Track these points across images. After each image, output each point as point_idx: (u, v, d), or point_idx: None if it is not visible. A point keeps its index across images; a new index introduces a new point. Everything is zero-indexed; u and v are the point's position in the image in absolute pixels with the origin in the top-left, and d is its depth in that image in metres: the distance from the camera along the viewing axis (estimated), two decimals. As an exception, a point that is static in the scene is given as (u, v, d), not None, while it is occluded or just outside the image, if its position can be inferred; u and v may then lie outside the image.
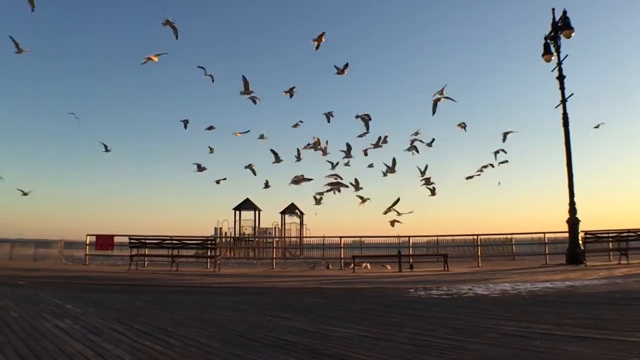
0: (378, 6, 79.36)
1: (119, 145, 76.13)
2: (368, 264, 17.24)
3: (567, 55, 16.62)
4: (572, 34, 16.15)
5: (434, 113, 15.96)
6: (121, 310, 6.32)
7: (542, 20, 18.59)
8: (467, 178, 18.67)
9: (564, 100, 16.41)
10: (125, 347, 3.89)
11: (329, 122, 17.68)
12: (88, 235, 17.99)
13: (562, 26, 16.26)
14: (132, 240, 16.13)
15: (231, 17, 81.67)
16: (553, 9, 16.70)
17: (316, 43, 15.63)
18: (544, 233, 17.96)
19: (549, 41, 16.89)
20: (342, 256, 18.28)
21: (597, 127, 19.98)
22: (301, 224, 36.13)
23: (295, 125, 18.57)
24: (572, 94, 16.50)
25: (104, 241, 17.75)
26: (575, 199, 15.78)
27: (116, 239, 18.02)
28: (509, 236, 21.01)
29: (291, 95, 17.26)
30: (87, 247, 17.96)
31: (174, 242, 16.34)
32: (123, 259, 17.25)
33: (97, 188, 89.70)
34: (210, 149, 19.22)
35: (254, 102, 16.56)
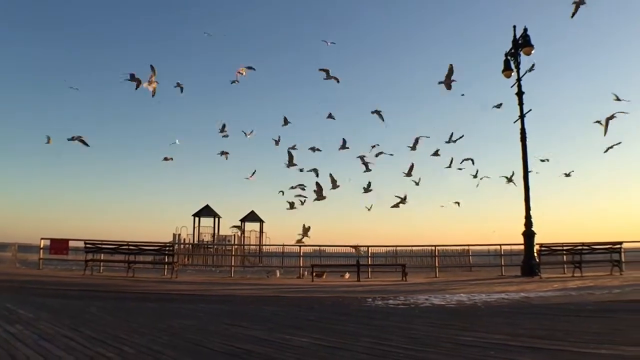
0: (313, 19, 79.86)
1: (75, 147, 74.40)
2: (347, 274, 17.02)
3: (526, 72, 17.01)
4: (532, 51, 16.54)
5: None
6: (74, 317, 6.15)
7: (503, 37, 18.97)
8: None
9: (522, 116, 16.78)
10: (77, 354, 3.77)
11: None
12: (42, 239, 17.49)
13: (522, 43, 16.64)
14: (87, 245, 15.76)
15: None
16: (514, 26, 17.10)
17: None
18: (500, 245, 18.24)
19: (509, 58, 17.26)
20: (302, 265, 18.21)
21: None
22: (261, 231, 36.00)
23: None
24: (530, 110, 16.90)
25: (59, 245, 17.32)
26: (531, 212, 16.13)
27: (71, 244, 17.62)
28: (466, 247, 21.29)
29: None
30: (42, 251, 17.44)
31: (130, 247, 16.01)
32: (78, 264, 16.87)
33: (53, 191, 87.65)
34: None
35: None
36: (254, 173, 20.11)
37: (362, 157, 19.34)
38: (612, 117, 16.65)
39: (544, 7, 78.43)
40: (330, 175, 18.30)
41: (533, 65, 17.68)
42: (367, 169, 19.15)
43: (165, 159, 20.37)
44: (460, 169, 20.54)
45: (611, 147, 19.20)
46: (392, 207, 19.36)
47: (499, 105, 19.15)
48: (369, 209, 20.74)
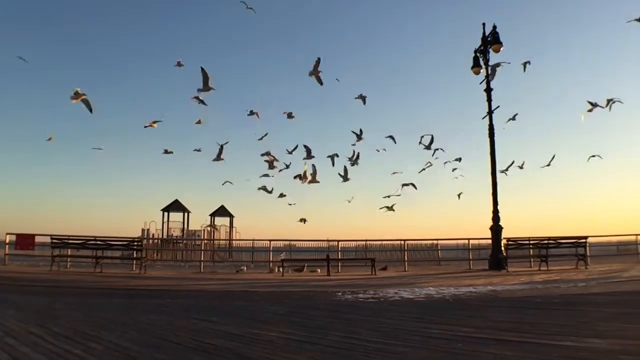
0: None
1: (42, 141, 72.87)
2: (319, 269, 16.98)
3: (525, 65, 17.20)
4: (501, 49, 16.70)
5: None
6: (41, 313, 6.07)
7: (472, 34, 19.26)
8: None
9: (490, 112, 16.94)
10: (44, 351, 3.72)
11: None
12: (8, 234, 17.05)
13: (491, 40, 16.78)
14: (54, 240, 15.41)
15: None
16: (483, 24, 17.24)
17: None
18: (468, 239, 18.43)
19: (478, 54, 17.40)
20: (271, 259, 18.14)
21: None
22: (231, 226, 35.79)
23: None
24: (498, 106, 17.09)
25: (25, 241, 16.90)
26: (499, 207, 16.35)
27: (38, 239, 17.18)
28: (435, 242, 21.47)
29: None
30: (7, 246, 17.00)
31: (98, 242, 15.69)
32: (45, 260, 16.49)
33: (19, 185, 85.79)
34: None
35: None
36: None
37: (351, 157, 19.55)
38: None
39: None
40: (313, 165, 18.42)
41: (527, 62, 17.95)
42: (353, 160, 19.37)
43: (166, 151, 20.12)
44: (445, 162, 20.90)
45: (593, 156, 19.91)
46: (388, 210, 19.63)
47: (514, 117, 19.53)
48: (349, 201, 21.13)
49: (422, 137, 20.31)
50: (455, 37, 77.58)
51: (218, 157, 18.76)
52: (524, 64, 18.04)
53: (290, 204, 20.54)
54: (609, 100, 18.02)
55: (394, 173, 21.23)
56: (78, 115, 73.00)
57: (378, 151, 21.06)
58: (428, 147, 20.14)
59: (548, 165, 20.35)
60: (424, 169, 20.91)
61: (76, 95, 14.95)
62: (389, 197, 19.77)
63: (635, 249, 19.23)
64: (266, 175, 19.64)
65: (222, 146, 18.72)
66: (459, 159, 20.91)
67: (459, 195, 21.62)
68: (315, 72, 16.46)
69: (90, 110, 15.42)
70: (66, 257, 16.16)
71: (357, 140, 19.22)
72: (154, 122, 16.21)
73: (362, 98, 19.00)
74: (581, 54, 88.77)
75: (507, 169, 19.66)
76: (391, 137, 20.23)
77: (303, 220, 19.79)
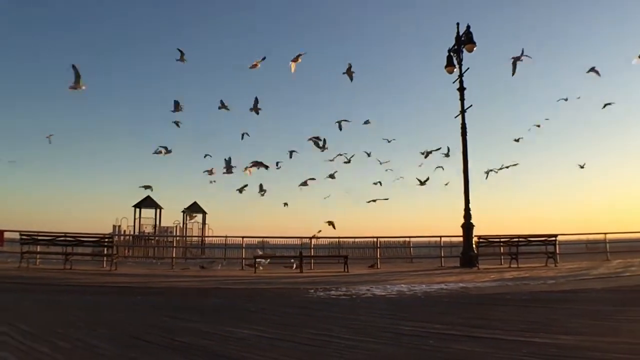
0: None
1: (11, 134, 71.35)
2: (295, 264, 16.95)
3: (468, 68, 17.31)
4: (474, 48, 16.84)
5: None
6: (8, 310, 6.01)
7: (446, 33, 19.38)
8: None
9: (463, 111, 17.07)
10: (10, 349, 3.66)
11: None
12: (-24, 229, 16.68)
13: (465, 40, 16.91)
14: (23, 236, 15.13)
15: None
16: (457, 24, 17.37)
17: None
18: (440, 237, 18.54)
19: (452, 54, 17.52)
20: (244, 256, 18.04)
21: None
22: (204, 223, 35.53)
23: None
24: (471, 105, 17.21)
25: (-6, 236, 16.58)
26: (470, 205, 16.51)
27: (6, 235, 16.89)
28: (407, 239, 21.54)
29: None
30: (-25, 242, 16.64)
31: (68, 239, 15.44)
32: (13, 256, 16.15)
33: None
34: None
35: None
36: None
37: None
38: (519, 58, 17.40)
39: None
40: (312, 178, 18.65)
41: (522, 55, 18.07)
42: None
43: (162, 151, 19.84)
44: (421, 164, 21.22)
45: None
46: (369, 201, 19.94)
47: (518, 139, 19.73)
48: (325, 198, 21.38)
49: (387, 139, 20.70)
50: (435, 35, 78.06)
51: (228, 170, 18.70)
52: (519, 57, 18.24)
53: (286, 204, 20.56)
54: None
55: (369, 155, 21.47)
56: (52, 109, 71.42)
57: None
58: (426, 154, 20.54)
59: (515, 164, 20.78)
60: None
61: (77, 76, 14.53)
62: (374, 200, 19.99)
63: (603, 247, 19.58)
64: (230, 172, 19.54)
65: (228, 161, 18.80)
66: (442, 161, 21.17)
67: (446, 184, 22.02)
68: (296, 59, 16.44)
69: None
70: (35, 254, 15.90)
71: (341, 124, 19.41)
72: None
73: (350, 74, 18.88)
74: (557, 54, 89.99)
75: (496, 169, 20.21)
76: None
77: (331, 223, 19.70)
